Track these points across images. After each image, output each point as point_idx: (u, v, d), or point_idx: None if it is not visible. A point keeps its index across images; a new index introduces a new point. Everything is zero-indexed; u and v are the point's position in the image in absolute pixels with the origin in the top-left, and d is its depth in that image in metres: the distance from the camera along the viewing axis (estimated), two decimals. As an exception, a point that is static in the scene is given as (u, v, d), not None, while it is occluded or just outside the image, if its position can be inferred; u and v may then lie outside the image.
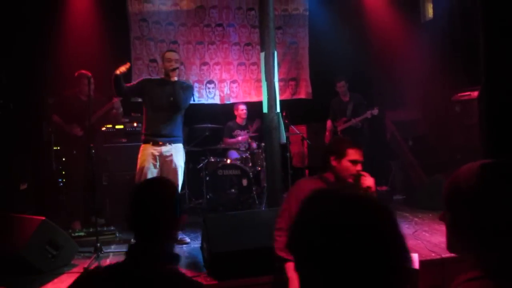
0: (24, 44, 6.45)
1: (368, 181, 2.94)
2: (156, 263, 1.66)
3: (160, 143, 5.02)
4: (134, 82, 5.25)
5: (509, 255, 1.17)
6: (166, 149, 5.03)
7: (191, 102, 7.11)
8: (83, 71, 5.57)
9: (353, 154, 2.98)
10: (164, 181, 1.90)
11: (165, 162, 5.04)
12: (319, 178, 3.08)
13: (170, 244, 1.80)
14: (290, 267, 2.82)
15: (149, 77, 5.25)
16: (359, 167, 2.98)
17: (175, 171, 5.05)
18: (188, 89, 5.23)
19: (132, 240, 4.18)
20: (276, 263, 2.97)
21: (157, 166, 5.04)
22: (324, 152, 3.07)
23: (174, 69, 4.98)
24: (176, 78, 5.02)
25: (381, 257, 0.95)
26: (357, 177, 2.96)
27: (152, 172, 5.00)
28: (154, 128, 5.04)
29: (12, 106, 6.10)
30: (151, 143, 5.02)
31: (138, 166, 5.05)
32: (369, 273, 0.94)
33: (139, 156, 5.07)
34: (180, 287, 1.66)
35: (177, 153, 5.10)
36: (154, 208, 1.73)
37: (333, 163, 3.00)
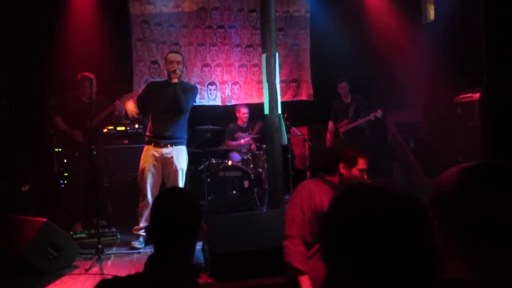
0: (26, 46, 6.46)
1: None
2: (177, 275, 1.62)
3: (162, 144, 5.05)
4: (142, 92, 5.29)
5: (496, 259, 1.16)
6: (167, 150, 5.05)
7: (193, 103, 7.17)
8: (86, 73, 5.59)
9: (362, 163, 2.90)
10: (183, 191, 1.92)
11: (166, 164, 5.07)
12: (322, 180, 2.99)
13: (190, 255, 1.75)
14: (305, 280, 2.69)
15: (153, 79, 5.32)
16: (365, 175, 2.93)
17: (175, 173, 5.07)
18: (191, 90, 5.25)
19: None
20: (288, 274, 2.81)
21: (159, 167, 5.05)
22: (333, 157, 2.97)
23: (174, 71, 5.00)
24: (176, 80, 5.02)
25: (418, 250, 0.96)
26: None
27: (152, 173, 5.02)
28: (156, 130, 5.07)
29: (14, 107, 6.12)
30: (152, 144, 5.06)
31: (139, 167, 5.10)
32: (405, 266, 0.95)
33: (141, 157, 5.13)
34: None
35: (179, 155, 5.11)
36: (175, 217, 1.70)
37: (342, 170, 2.91)
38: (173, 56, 5.14)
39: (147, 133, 5.19)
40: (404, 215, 0.99)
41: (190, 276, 1.68)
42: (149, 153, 5.06)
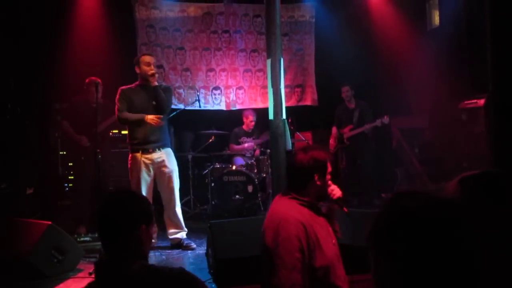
0: (32, 49, 6.51)
1: (338, 192, 2.59)
2: (123, 261, 1.74)
3: (150, 150, 4.93)
4: (118, 101, 5.00)
5: (495, 271, 1.17)
6: (157, 155, 4.95)
7: (197, 108, 7.20)
8: (93, 78, 5.61)
9: (329, 166, 2.52)
10: (124, 193, 1.97)
11: (159, 169, 4.97)
12: (298, 201, 2.45)
13: (136, 247, 1.80)
14: None
15: (123, 86, 5.10)
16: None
17: (170, 176, 5.01)
18: (168, 90, 5.15)
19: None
20: None
21: (151, 174, 4.96)
22: (304, 171, 2.45)
23: (153, 74, 4.88)
24: (156, 83, 4.93)
25: (464, 257, 0.95)
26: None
27: (146, 181, 4.93)
28: (141, 136, 4.92)
29: (20, 110, 6.15)
30: (140, 151, 4.92)
31: (131, 177, 4.97)
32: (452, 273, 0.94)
33: (130, 166, 4.99)
34: (158, 277, 1.72)
35: (168, 157, 5.03)
36: (109, 220, 1.81)
37: (318, 182, 2.46)
38: (149, 58, 4.98)
39: (129, 140, 5.02)
40: (462, 223, 0.98)
41: (137, 260, 1.76)
42: (138, 160, 4.91)
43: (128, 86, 5.14)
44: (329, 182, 2.53)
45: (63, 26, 6.80)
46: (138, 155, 4.93)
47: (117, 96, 5.00)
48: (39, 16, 6.56)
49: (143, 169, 4.92)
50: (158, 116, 4.87)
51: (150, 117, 4.85)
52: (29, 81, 6.52)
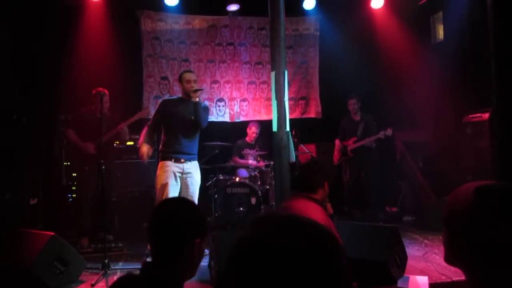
0: (38, 60, 6.56)
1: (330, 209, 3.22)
2: (170, 277, 1.67)
3: (182, 160, 5.10)
4: (155, 113, 5.37)
5: (497, 278, 1.19)
6: (187, 166, 5.12)
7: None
8: (100, 89, 5.66)
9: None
10: (185, 201, 1.90)
11: (185, 180, 5.11)
12: (313, 200, 3.07)
13: (186, 261, 1.73)
14: None
15: (164, 97, 5.38)
16: None
17: (194, 188, 5.15)
18: (206, 110, 5.35)
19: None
20: None
21: (178, 183, 5.09)
22: (320, 176, 3.11)
23: (196, 91, 5.06)
24: (198, 99, 5.08)
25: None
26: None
27: (174, 188, 5.04)
28: (175, 146, 5.11)
29: (25, 121, 6.18)
30: (172, 160, 5.08)
31: (158, 183, 5.06)
32: None
33: (158, 173, 5.10)
34: None
35: (196, 169, 5.22)
36: (169, 224, 1.73)
37: (327, 189, 3.07)
38: (189, 75, 5.19)
39: (163, 148, 5.18)
40: (321, 250, 0.89)
41: (187, 275, 1.74)
42: (169, 168, 5.05)
43: (171, 97, 5.56)
44: None
45: (69, 38, 6.85)
46: (170, 163, 5.08)
47: (157, 106, 5.39)
48: (46, 27, 6.61)
49: (172, 177, 5.04)
50: (149, 155, 5.23)
51: (143, 149, 5.14)
52: (34, 92, 6.56)
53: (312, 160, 7.17)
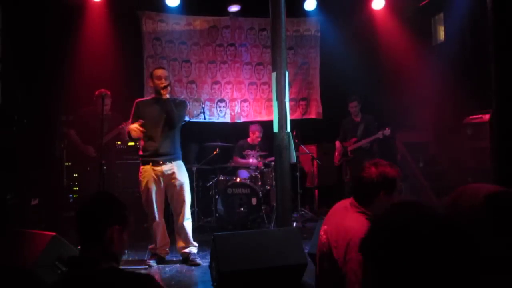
0: (39, 62, 6.57)
1: None
2: (93, 262, 1.84)
3: (161, 162, 4.94)
4: (131, 116, 5.09)
5: (493, 284, 1.19)
6: (167, 167, 4.95)
7: (202, 120, 7.22)
8: (103, 90, 5.68)
9: (400, 184, 2.56)
10: (103, 194, 2.18)
11: (169, 182, 4.98)
12: (364, 215, 2.50)
13: (109, 245, 1.90)
14: None
15: (139, 99, 5.18)
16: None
17: (180, 189, 5.00)
18: (181, 105, 5.16)
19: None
20: None
21: (161, 186, 4.97)
22: (371, 186, 2.51)
23: (165, 87, 4.90)
24: (168, 96, 4.94)
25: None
26: None
27: (157, 193, 4.94)
28: (152, 148, 4.95)
29: (26, 122, 6.19)
30: (150, 164, 4.94)
31: (142, 188, 4.98)
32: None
33: (140, 178, 5.00)
34: (121, 280, 1.80)
35: (179, 169, 5.03)
36: (83, 215, 1.96)
37: (383, 198, 2.49)
38: (161, 72, 5.03)
39: (141, 153, 5.05)
40: (450, 236, 1.00)
41: (106, 263, 1.85)
42: (147, 174, 4.93)
43: (144, 98, 5.27)
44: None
45: (70, 39, 6.87)
46: (148, 167, 4.94)
47: (132, 109, 5.09)
48: (47, 29, 6.63)
49: (154, 181, 4.92)
50: (140, 129, 4.84)
51: (131, 127, 4.88)
52: (36, 92, 6.57)
53: None
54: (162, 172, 4.95)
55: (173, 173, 4.98)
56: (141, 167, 5.02)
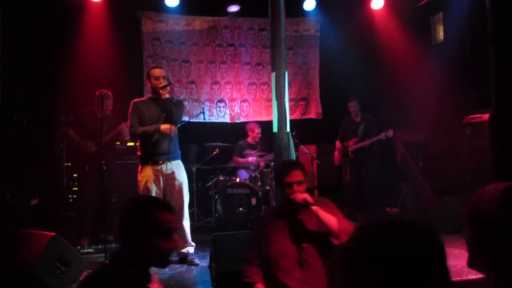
0: (38, 62, 6.56)
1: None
2: (119, 266, 1.88)
3: (160, 162, 4.90)
4: (130, 117, 4.99)
5: None
6: (166, 167, 4.91)
7: (202, 120, 7.22)
8: (103, 90, 5.67)
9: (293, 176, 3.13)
10: (135, 199, 2.18)
11: (168, 181, 4.95)
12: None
13: (138, 248, 1.92)
14: None
15: (136, 99, 5.10)
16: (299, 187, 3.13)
17: (180, 188, 4.98)
18: (179, 104, 5.13)
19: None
20: None
21: (161, 186, 4.94)
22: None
23: (164, 87, 4.85)
24: (167, 95, 4.90)
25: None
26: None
27: (155, 192, 4.90)
28: (151, 148, 4.90)
29: (25, 122, 6.19)
30: (150, 163, 4.91)
31: (141, 188, 4.94)
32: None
33: (139, 178, 4.96)
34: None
35: (178, 169, 5.01)
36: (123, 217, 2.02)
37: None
38: (159, 72, 4.98)
39: (140, 153, 5.02)
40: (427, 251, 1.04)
41: (126, 267, 1.83)
42: (148, 173, 4.89)
43: (141, 98, 5.19)
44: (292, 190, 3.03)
45: (69, 39, 6.86)
46: (147, 167, 4.91)
47: (129, 110, 5.01)
48: (46, 28, 6.62)
49: (153, 181, 4.90)
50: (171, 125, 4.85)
51: (163, 127, 4.85)
52: (35, 92, 6.57)
53: None
54: (162, 172, 4.93)
55: (173, 172, 4.96)
56: (140, 167, 5.00)
